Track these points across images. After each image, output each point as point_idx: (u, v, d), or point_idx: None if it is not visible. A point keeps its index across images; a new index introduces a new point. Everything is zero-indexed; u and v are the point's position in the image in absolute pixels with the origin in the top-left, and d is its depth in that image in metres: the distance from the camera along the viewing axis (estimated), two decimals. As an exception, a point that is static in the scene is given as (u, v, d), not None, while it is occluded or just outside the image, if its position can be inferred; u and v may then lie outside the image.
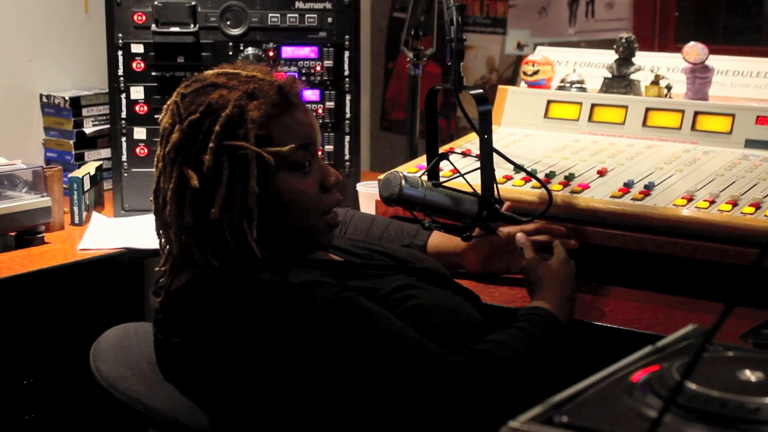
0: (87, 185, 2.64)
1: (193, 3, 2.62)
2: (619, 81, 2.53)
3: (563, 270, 1.86)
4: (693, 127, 2.35)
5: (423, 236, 2.08)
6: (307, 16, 2.68)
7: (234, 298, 1.56)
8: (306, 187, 1.65)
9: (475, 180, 1.94)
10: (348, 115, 2.73)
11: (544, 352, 1.69)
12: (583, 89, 2.57)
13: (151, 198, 1.67)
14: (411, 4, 2.71)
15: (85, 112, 2.98)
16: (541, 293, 1.81)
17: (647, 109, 2.42)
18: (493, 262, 2.07)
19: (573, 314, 1.84)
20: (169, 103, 1.65)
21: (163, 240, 1.68)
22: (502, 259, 2.06)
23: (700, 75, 2.43)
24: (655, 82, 2.49)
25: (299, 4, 2.68)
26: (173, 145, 1.60)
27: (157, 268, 1.71)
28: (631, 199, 2.07)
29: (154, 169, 1.66)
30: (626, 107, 2.44)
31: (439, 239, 2.07)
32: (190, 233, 1.61)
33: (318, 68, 2.70)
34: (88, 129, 2.99)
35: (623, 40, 2.54)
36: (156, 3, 2.61)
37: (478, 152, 1.95)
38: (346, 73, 2.71)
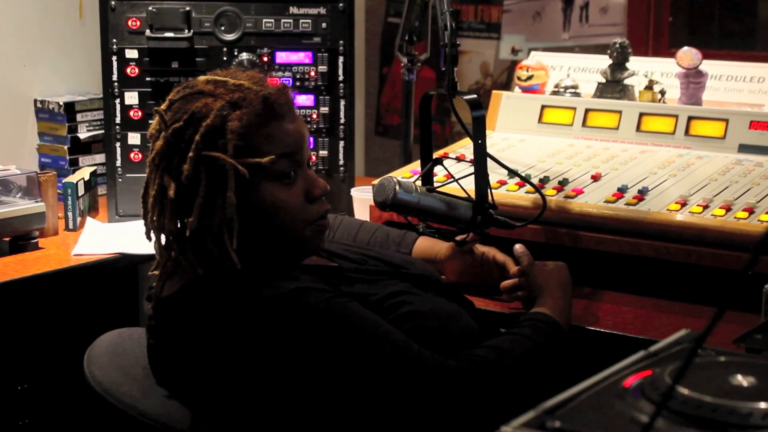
0: (81, 190, 2.64)
1: (188, 8, 2.62)
2: (613, 86, 2.53)
3: (563, 276, 1.86)
4: (687, 132, 2.35)
5: (408, 243, 2.07)
6: (301, 21, 2.68)
7: (226, 305, 1.56)
8: (289, 197, 1.63)
9: (470, 185, 1.95)
10: (342, 120, 2.72)
11: (544, 359, 1.68)
12: (577, 94, 2.58)
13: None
14: (405, 9, 2.71)
15: (79, 117, 2.98)
16: (543, 300, 1.80)
17: (641, 114, 2.42)
18: (469, 275, 2.05)
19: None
20: (159, 108, 1.65)
21: (155, 245, 1.68)
22: (479, 274, 2.04)
23: (693, 80, 2.44)
24: (649, 87, 2.49)
25: (293, 10, 2.68)
26: (157, 151, 1.61)
27: (150, 272, 1.72)
28: (625, 204, 2.07)
29: (147, 174, 1.67)
30: (620, 112, 2.45)
31: (422, 246, 2.06)
32: (174, 240, 1.61)
33: (312, 73, 2.70)
34: (83, 134, 2.98)
35: (617, 45, 2.54)
36: (150, 8, 2.61)
37: (472, 157, 1.95)
38: (341, 78, 2.71)
